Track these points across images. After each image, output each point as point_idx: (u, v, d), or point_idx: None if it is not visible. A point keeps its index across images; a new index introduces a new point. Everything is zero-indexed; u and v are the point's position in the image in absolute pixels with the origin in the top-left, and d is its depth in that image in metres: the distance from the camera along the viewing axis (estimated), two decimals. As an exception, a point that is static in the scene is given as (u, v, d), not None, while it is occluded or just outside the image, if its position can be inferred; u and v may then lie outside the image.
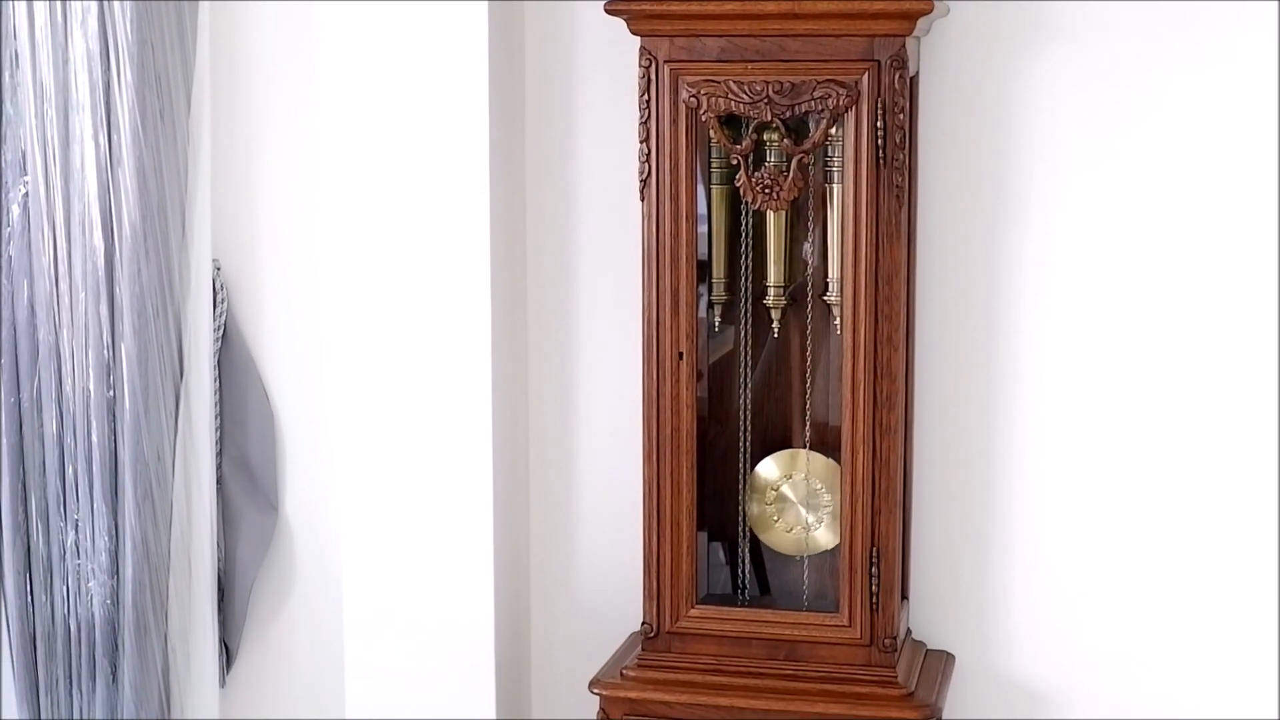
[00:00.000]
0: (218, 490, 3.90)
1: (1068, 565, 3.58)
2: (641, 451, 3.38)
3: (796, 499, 3.51)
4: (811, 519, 3.50)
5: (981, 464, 3.59)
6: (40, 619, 3.86)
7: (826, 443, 3.48)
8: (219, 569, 3.91)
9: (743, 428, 3.50)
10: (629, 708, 3.40)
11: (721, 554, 3.61)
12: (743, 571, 3.55)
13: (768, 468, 3.53)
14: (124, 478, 3.76)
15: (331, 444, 3.85)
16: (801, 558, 3.51)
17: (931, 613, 3.64)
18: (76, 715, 3.88)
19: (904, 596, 3.51)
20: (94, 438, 3.77)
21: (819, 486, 3.49)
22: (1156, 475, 3.52)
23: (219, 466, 3.90)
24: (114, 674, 3.85)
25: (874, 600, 3.32)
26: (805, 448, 3.49)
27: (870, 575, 3.31)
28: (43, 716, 3.90)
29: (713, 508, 3.54)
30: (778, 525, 3.52)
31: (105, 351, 3.74)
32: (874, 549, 3.30)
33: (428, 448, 3.64)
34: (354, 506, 3.71)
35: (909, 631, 3.58)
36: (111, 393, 3.75)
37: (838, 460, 3.38)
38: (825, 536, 3.48)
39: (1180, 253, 3.44)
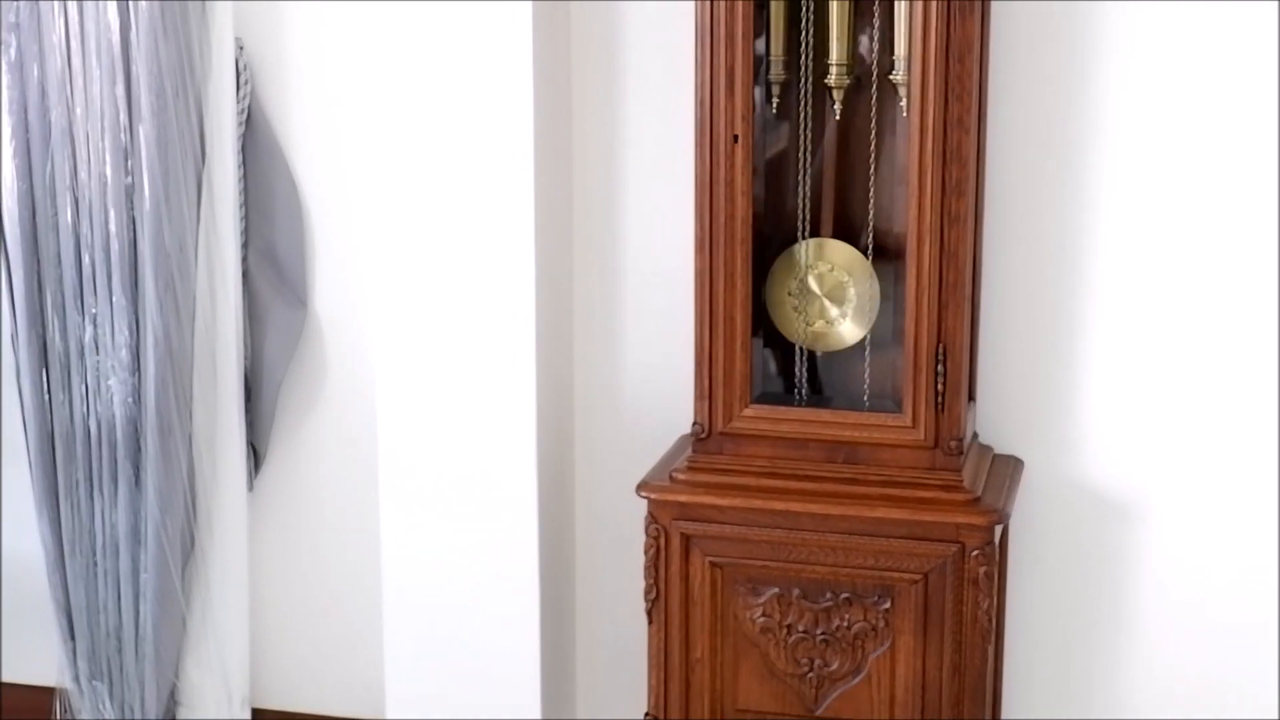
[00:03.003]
0: (243, 284, 3.91)
1: (1143, 369, 3.58)
2: (694, 242, 3.37)
3: (821, 291, 3.50)
4: (835, 313, 3.49)
5: (1056, 258, 3.57)
6: (58, 418, 3.91)
7: (890, 234, 3.47)
8: (245, 367, 3.94)
9: (801, 216, 3.48)
10: (678, 512, 3.42)
11: (773, 364, 3.61)
12: (800, 370, 3.55)
13: (791, 256, 3.52)
14: (144, 269, 3.78)
15: (364, 235, 3.85)
16: (813, 351, 3.51)
17: (1000, 416, 3.65)
18: (98, 520, 3.94)
19: (971, 397, 3.51)
20: (111, 227, 3.78)
21: (845, 279, 3.47)
22: (1235, 276, 3.50)
23: (244, 259, 3.91)
24: (136, 477, 3.90)
25: (939, 400, 3.31)
26: (868, 243, 3.47)
27: (935, 374, 3.30)
28: (62, 521, 3.96)
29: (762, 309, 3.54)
30: (800, 318, 3.51)
31: (122, 135, 3.74)
32: (940, 346, 3.29)
33: (466, 238, 3.63)
34: (388, 302, 3.71)
35: (976, 435, 3.59)
36: (129, 179, 3.76)
37: (870, 246, 3.41)
38: (849, 331, 3.48)
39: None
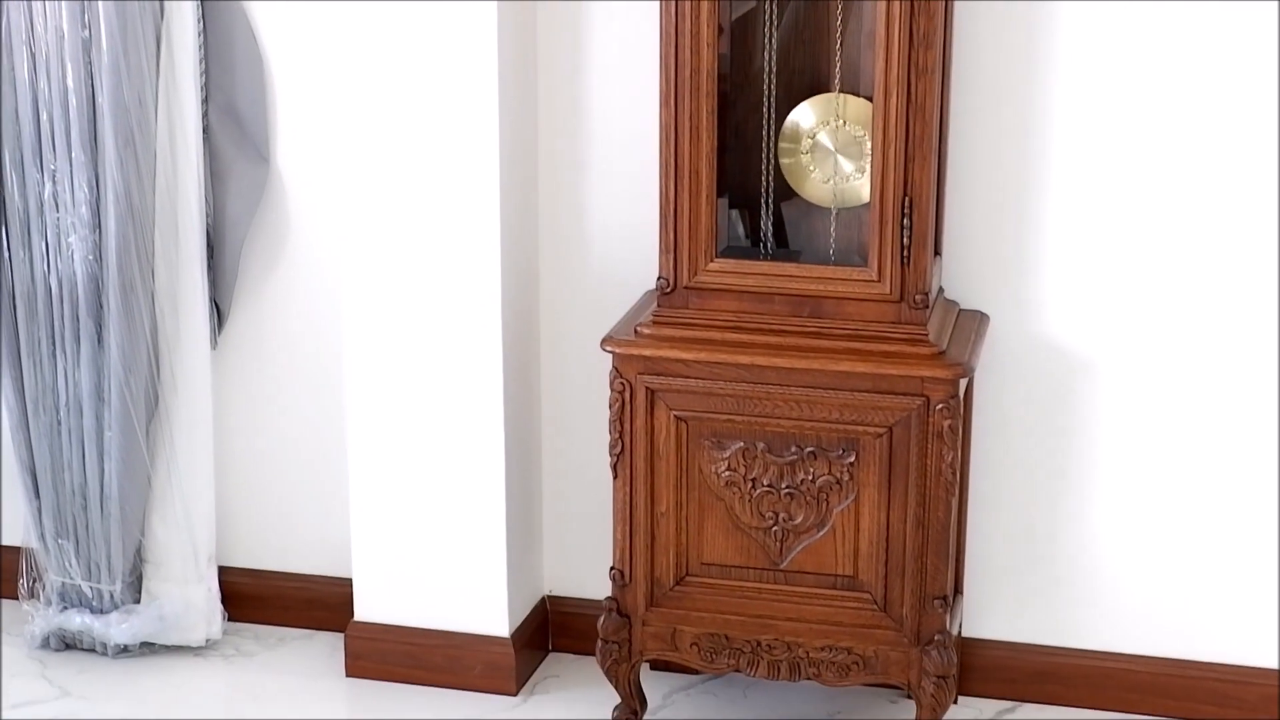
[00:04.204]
0: (204, 140, 3.88)
1: (1107, 224, 3.59)
2: (659, 95, 3.35)
3: (834, 147, 3.48)
4: (851, 168, 3.47)
5: (1023, 111, 3.56)
6: (19, 277, 3.89)
7: (857, 93, 3.45)
8: (207, 224, 3.92)
9: (768, 76, 3.45)
10: (643, 366, 3.42)
11: (741, 229, 3.61)
12: (766, 224, 3.54)
13: (803, 114, 3.50)
14: (103, 125, 3.75)
15: (325, 90, 3.82)
16: (835, 210, 3.50)
17: (966, 272, 3.66)
18: (61, 378, 3.92)
19: (937, 252, 3.51)
20: (69, 82, 3.74)
21: (859, 133, 3.45)
22: (1197, 138, 3.51)
23: (205, 114, 3.87)
24: (99, 335, 3.88)
25: (905, 253, 3.31)
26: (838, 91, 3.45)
27: (901, 227, 3.30)
28: (25, 380, 3.94)
29: (736, 165, 3.53)
30: (814, 176, 3.50)
31: (79, -13, 3.69)
32: (906, 199, 3.29)
33: (429, 90, 3.60)
34: (350, 158, 3.69)
35: (941, 290, 3.60)
36: (87, 33, 3.71)
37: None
38: (865, 187, 3.45)
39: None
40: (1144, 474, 3.67)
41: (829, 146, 3.48)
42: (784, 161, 3.51)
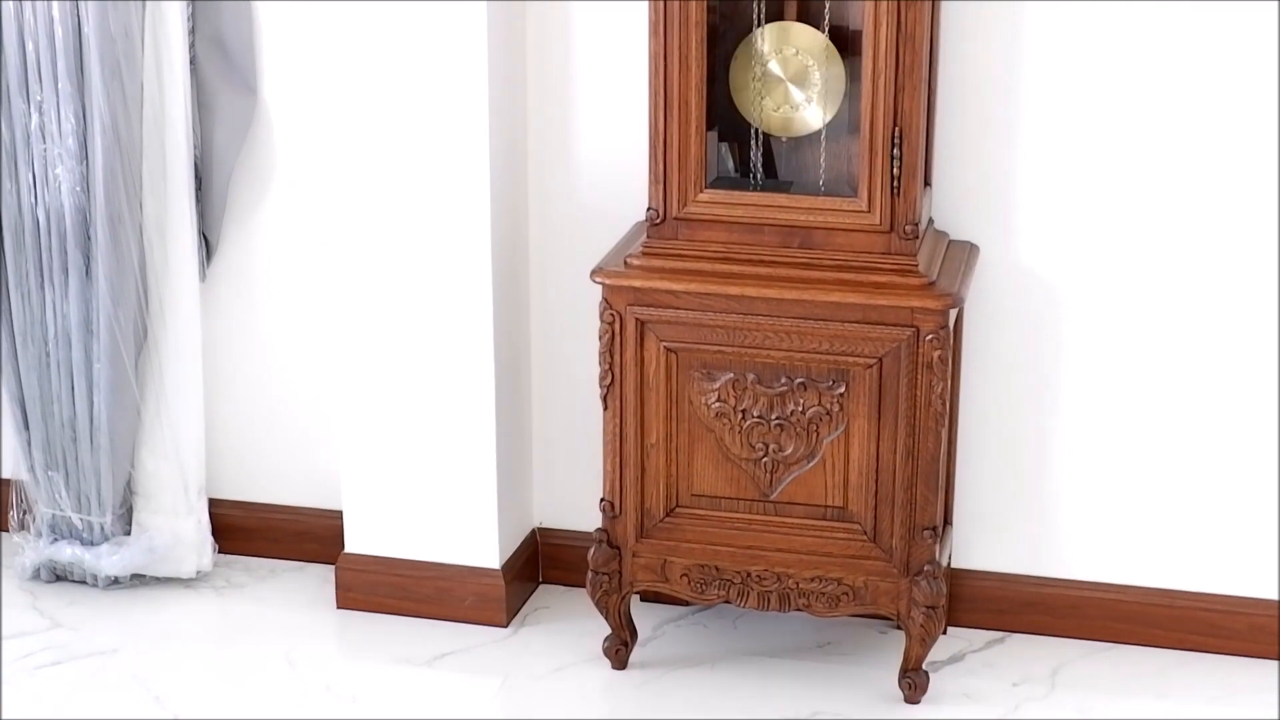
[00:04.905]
0: (191, 71, 3.85)
1: (1097, 156, 3.57)
2: (648, 25, 3.33)
3: (785, 76, 3.46)
4: (801, 97, 3.46)
5: (1015, 42, 3.54)
6: (6, 208, 3.87)
7: (847, 23, 3.44)
8: (195, 155, 3.90)
9: (757, 3, 3.44)
10: (633, 298, 3.42)
11: (731, 162, 3.59)
12: (755, 155, 3.53)
13: (754, 43, 3.48)
14: (89, 55, 3.72)
15: (313, 19, 3.79)
16: (785, 139, 3.50)
17: (956, 203, 3.64)
18: (49, 310, 3.91)
19: (927, 183, 3.50)
20: (54, 12, 3.72)
21: (809, 63, 3.44)
22: (1186, 77, 3.50)
23: (191, 46, 3.85)
24: (87, 267, 3.87)
25: (895, 184, 3.30)
26: (825, 32, 3.43)
27: (891, 158, 3.29)
28: (13, 312, 3.93)
29: (724, 96, 3.51)
30: (765, 104, 3.48)
31: (62, -83, 3.66)
32: (896, 129, 3.27)
33: (418, 28, 3.57)
34: (336, 86, 3.67)
35: (931, 221, 3.59)
36: (71, -38, 3.69)
37: (825, 32, 3.41)
38: (814, 116, 3.45)
39: None
40: (1132, 404, 3.68)
41: (779, 75, 3.47)
42: (734, 86, 3.50)
